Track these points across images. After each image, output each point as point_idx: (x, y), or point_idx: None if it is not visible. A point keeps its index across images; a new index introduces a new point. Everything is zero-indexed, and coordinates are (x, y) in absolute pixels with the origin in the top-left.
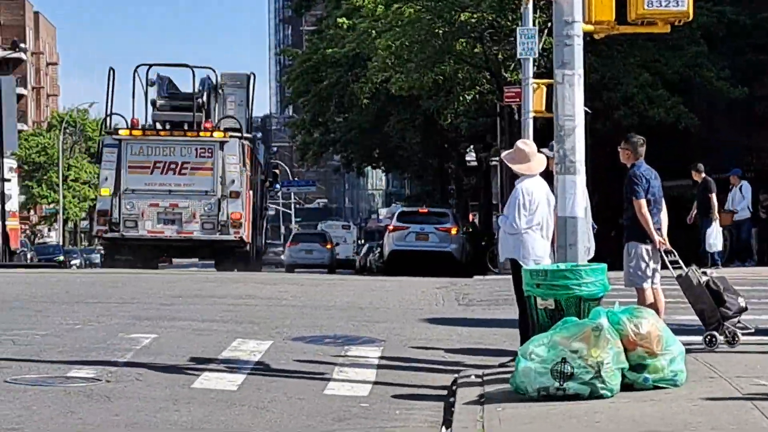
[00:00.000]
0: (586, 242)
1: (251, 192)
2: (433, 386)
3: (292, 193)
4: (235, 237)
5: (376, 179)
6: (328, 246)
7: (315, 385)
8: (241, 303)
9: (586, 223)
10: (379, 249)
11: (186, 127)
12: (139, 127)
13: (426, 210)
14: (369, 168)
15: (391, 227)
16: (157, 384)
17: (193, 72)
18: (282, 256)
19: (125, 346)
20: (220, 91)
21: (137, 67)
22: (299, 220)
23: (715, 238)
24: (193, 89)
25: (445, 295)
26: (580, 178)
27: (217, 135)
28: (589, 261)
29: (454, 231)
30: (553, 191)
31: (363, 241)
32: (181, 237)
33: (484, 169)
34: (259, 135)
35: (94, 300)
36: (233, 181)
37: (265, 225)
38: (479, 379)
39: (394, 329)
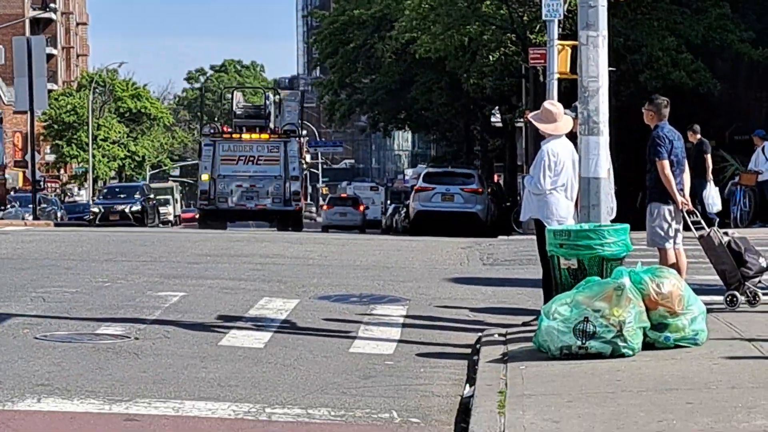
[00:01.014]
0: (609, 203)
1: (303, 176)
2: (457, 345)
3: (319, 154)
4: (296, 208)
5: (402, 140)
6: (360, 208)
7: (341, 343)
8: (269, 262)
9: (609, 185)
10: (404, 209)
11: (259, 131)
12: (229, 132)
13: (452, 171)
14: (395, 129)
15: (416, 188)
16: (184, 341)
17: (264, 93)
18: (318, 218)
19: (154, 304)
20: (280, 104)
21: (224, 90)
22: (326, 180)
23: (713, 198)
24: (264, 105)
25: (470, 255)
26: (604, 139)
27: (283, 137)
28: (612, 221)
29: (479, 192)
30: (577, 152)
31: (389, 202)
32: (257, 208)
33: (509, 130)
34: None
35: (124, 258)
36: (294, 168)
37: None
38: (503, 338)
39: (419, 288)
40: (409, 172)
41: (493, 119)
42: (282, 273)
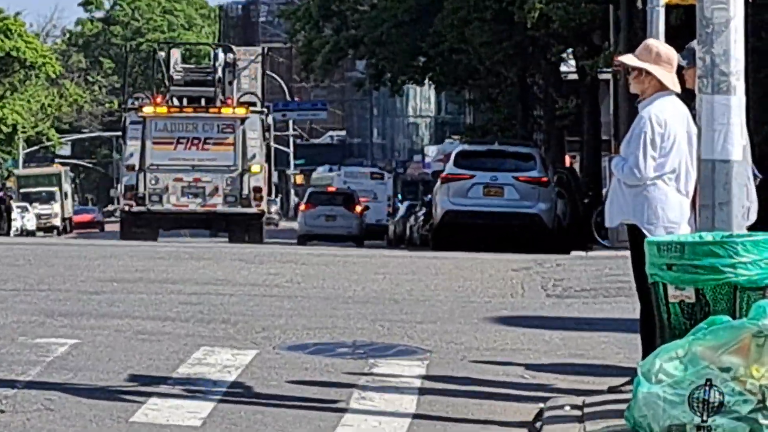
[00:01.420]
0: (744, 200)
1: (267, 164)
2: (507, 423)
3: (291, 123)
4: (257, 210)
5: (422, 101)
6: (357, 210)
7: (323, 420)
8: (210, 291)
9: (745, 171)
10: (424, 209)
11: (205, 103)
12: (162, 104)
13: (499, 149)
14: (409, 83)
15: (444, 175)
16: (77, 416)
17: (213, 50)
18: (286, 223)
19: (29, 358)
20: (234, 65)
21: (156, 45)
22: (300, 164)
23: None
24: (213, 65)
25: (527, 281)
26: (737, 101)
27: (239, 111)
28: (749, 228)
29: (543, 182)
30: (695, 122)
31: (400, 197)
32: (203, 210)
33: (589, 85)
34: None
35: None
36: (254, 156)
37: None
38: (577, 412)
39: (446, 333)
40: (431, 150)
41: (563, 68)
42: (231, 309)
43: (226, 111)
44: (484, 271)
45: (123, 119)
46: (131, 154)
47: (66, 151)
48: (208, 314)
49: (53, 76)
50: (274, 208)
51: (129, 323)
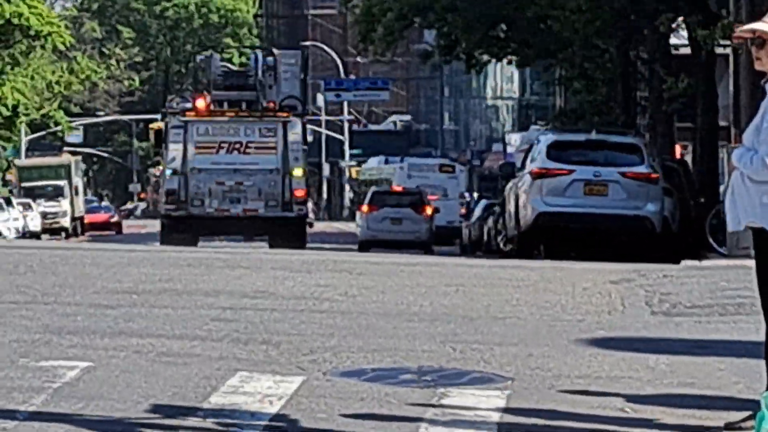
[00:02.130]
0: None
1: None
2: None
3: (345, 104)
4: (299, 214)
5: (503, 80)
6: (426, 212)
7: None
8: (247, 306)
9: None
10: (508, 211)
11: (247, 107)
12: (205, 108)
13: (600, 140)
14: (487, 58)
15: (535, 170)
16: None
17: (252, 53)
18: (346, 225)
19: (31, 384)
20: (276, 67)
21: (195, 54)
22: (356, 154)
23: None
24: (255, 69)
25: (628, 296)
26: None
27: (281, 115)
28: None
29: (652, 178)
30: None
31: (476, 195)
32: (245, 215)
33: (704, 61)
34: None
35: None
36: (297, 159)
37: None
38: None
39: (531, 358)
40: (513, 138)
41: (673, 40)
42: (272, 327)
43: (268, 115)
44: (577, 284)
45: (165, 123)
46: (173, 158)
47: (77, 137)
48: (246, 333)
49: (62, 47)
50: (309, 205)
51: (151, 343)
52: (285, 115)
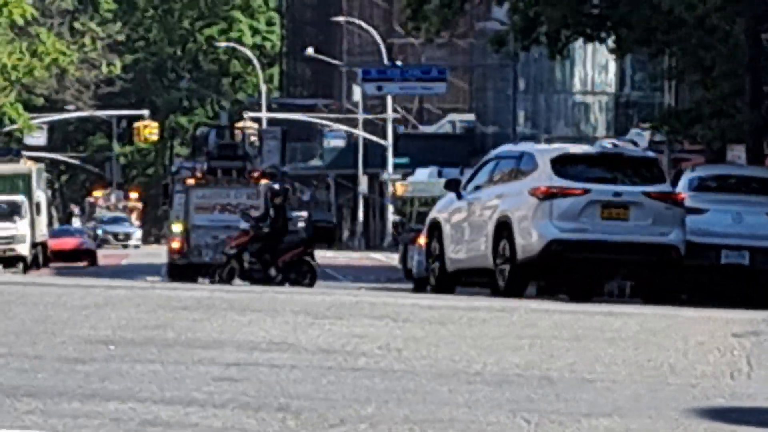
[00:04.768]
0: None
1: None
2: None
3: (389, 99)
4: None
5: (595, 69)
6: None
7: None
8: (258, 361)
9: None
10: (449, 238)
11: (236, 174)
12: (202, 176)
13: (614, 152)
14: (576, 40)
15: (542, 188)
16: None
17: (242, 132)
18: (383, 255)
19: None
20: (261, 142)
21: (196, 127)
22: (402, 164)
23: None
24: (243, 143)
25: (755, 353)
26: None
27: (264, 181)
28: None
29: (678, 200)
30: None
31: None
32: None
33: None
34: None
35: None
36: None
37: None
38: None
39: None
40: (609, 144)
41: None
42: (291, 389)
43: (252, 182)
44: (689, 337)
45: (165, 185)
46: (177, 216)
47: (40, 139)
48: (257, 397)
49: (21, 21)
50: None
51: (133, 408)
52: (267, 180)
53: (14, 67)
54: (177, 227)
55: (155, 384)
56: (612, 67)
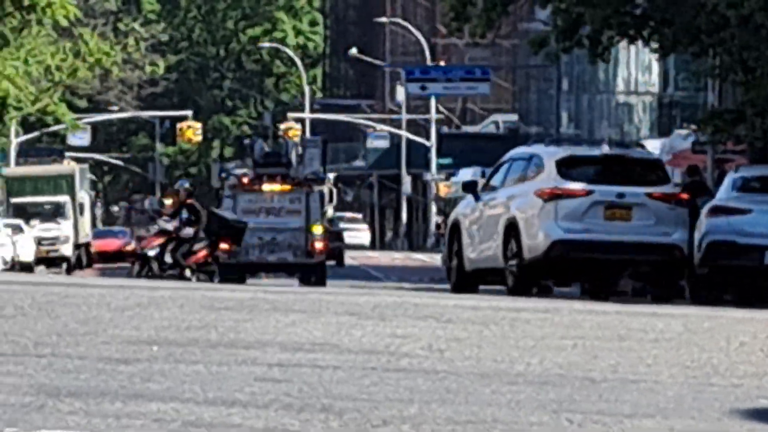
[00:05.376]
0: None
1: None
2: None
3: (432, 100)
4: (317, 261)
5: (638, 70)
6: None
7: None
8: (301, 361)
9: None
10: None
11: (280, 180)
12: (249, 182)
13: (617, 154)
14: (618, 43)
15: (547, 190)
16: None
17: (285, 141)
18: (427, 256)
19: None
20: (304, 150)
21: (249, 137)
22: (446, 164)
23: None
24: (287, 150)
25: None
26: None
27: (305, 187)
28: None
29: (682, 200)
30: None
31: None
32: (278, 261)
33: None
34: None
35: None
36: (316, 220)
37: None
38: None
39: None
40: (653, 145)
41: None
42: (335, 390)
43: (295, 187)
44: (732, 337)
45: (217, 190)
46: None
47: (83, 139)
48: (300, 397)
49: (65, 22)
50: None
51: (176, 409)
52: (308, 187)
53: (58, 68)
54: None
55: (198, 385)
56: (655, 67)
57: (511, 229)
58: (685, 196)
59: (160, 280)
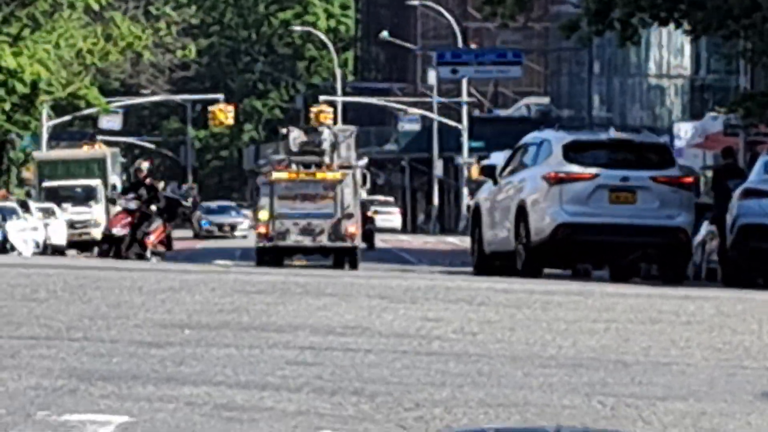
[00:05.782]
0: None
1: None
2: None
3: (464, 83)
4: (351, 244)
5: (670, 53)
6: None
7: None
8: (333, 345)
9: None
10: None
11: (315, 168)
12: (285, 171)
13: (623, 138)
14: (649, 26)
15: (552, 174)
16: None
17: (316, 130)
18: (457, 240)
19: None
20: (336, 139)
21: (285, 129)
22: (477, 147)
23: None
24: (320, 140)
25: None
26: None
27: (338, 175)
28: None
29: (686, 184)
30: None
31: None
32: (314, 245)
33: None
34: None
35: None
36: (348, 206)
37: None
38: None
39: (704, 416)
40: (684, 128)
41: None
42: (366, 373)
43: (329, 175)
44: (764, 320)
45: (258, 181)
46: (263, 206)
47: (115, 123)
48: (332, 381)
49: (96, 6)
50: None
51: (208, 393)
52: (339, 175)
53: (89, 52)
54: (263, 214)
55: (230, 368)
56: (687, 50)
57: (521, 213)
58: (689, 179)
59: (126, 260)
